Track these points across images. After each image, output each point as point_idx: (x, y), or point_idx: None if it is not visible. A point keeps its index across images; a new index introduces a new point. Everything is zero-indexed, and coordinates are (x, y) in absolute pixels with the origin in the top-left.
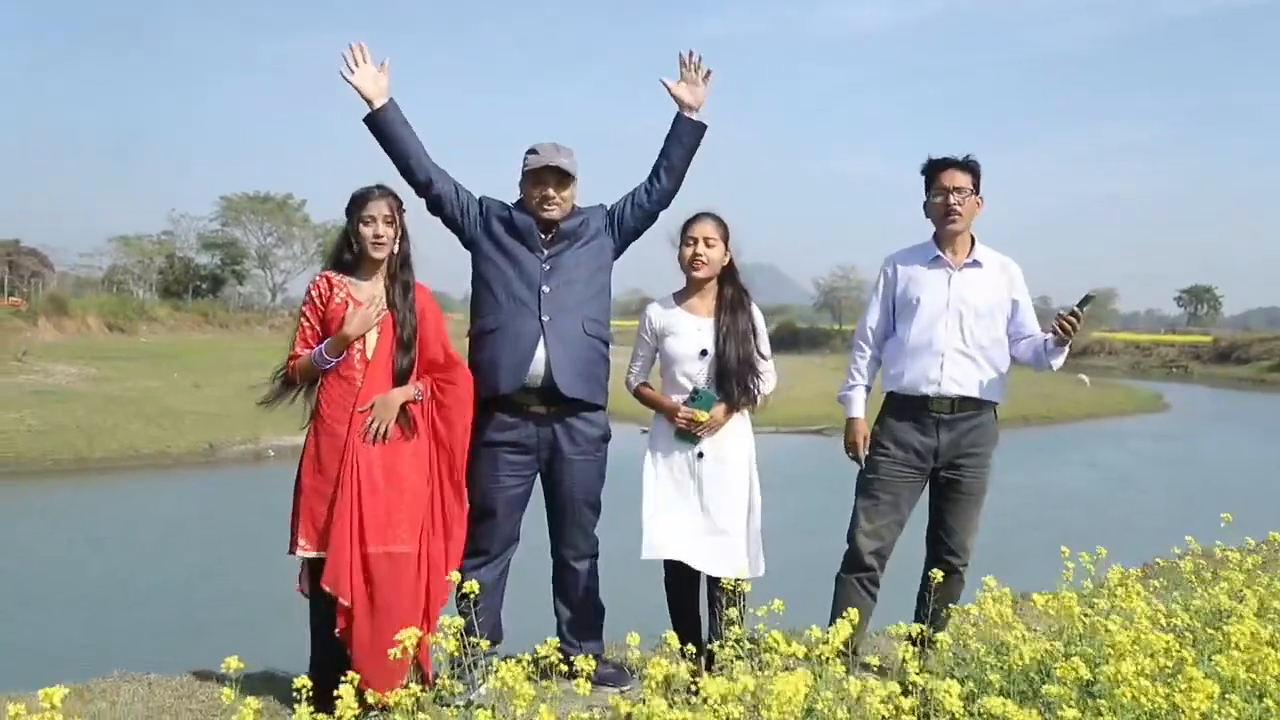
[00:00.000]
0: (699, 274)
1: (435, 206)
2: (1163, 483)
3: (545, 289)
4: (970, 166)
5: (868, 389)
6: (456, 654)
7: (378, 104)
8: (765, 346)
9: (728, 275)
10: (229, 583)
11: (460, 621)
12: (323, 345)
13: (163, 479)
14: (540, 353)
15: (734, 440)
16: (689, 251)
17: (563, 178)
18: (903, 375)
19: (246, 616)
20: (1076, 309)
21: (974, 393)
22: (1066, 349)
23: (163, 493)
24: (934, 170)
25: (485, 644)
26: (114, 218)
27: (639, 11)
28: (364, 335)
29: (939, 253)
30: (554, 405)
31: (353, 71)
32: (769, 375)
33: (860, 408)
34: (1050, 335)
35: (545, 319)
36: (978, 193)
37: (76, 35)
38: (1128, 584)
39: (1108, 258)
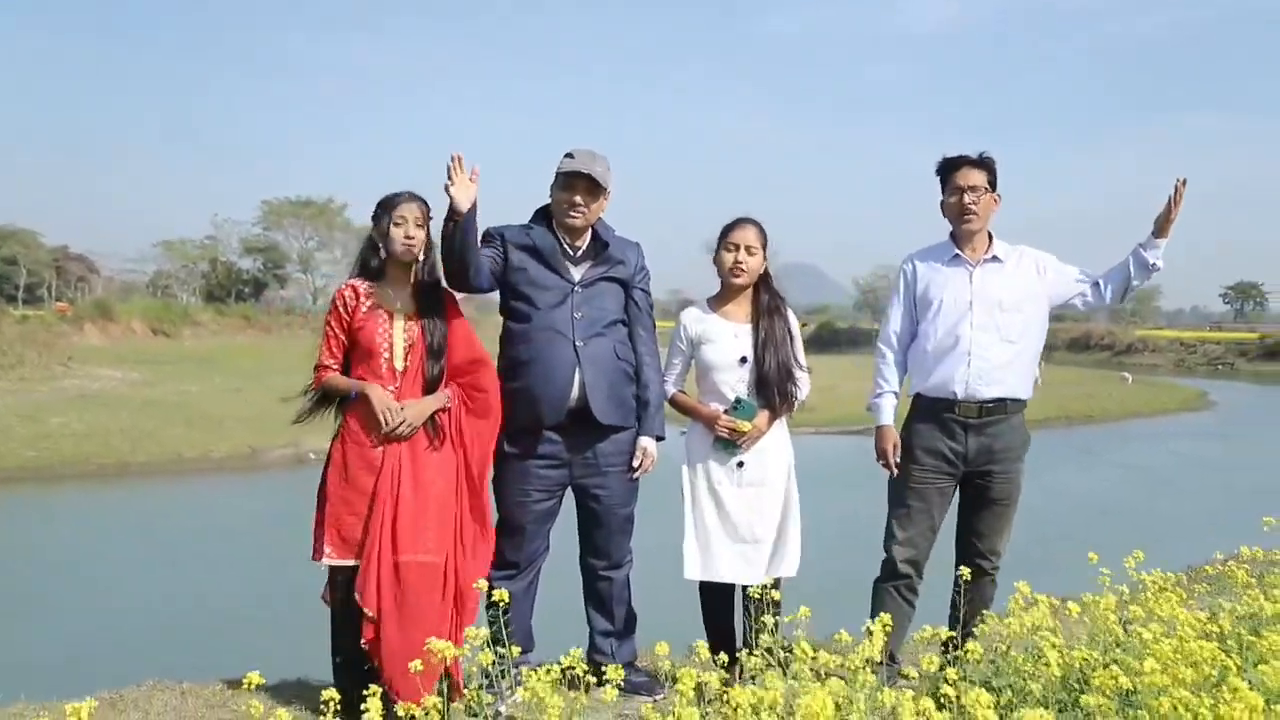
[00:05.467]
0: (738, 281)
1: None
2: (1204, 484)
3: (578, 315)
4: (985, 164)
5: (896, 395)
6: (486, 665)
7: (464, 209)
8: (801, 353)
9: (763, 281)
10: (267, 588)
11: (486, 632)
12: (359, 386)
13: (204, 483)
14: (576, 378)
15: (774, 449)
16: (730, 258)
17: (593, 186)
18: (929, 377)
19: (285, 622)
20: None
21: (1002, 393)
22: (1166, 240)
23: (203, 497)
24: (949, 169)
25: (516, 651)
26: (159, 222)
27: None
28: (390, 345)
29: (957, 250)
30: (586, 424)
31: (453, 182)
32: (804, 381)
33: (889, 415)
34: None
35: (579, 345)
36: (994, 190)
37: (122, 34)
38: (1167, 590)
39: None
